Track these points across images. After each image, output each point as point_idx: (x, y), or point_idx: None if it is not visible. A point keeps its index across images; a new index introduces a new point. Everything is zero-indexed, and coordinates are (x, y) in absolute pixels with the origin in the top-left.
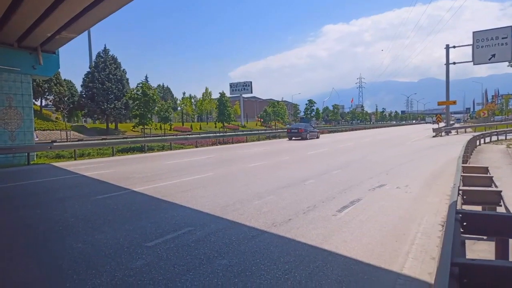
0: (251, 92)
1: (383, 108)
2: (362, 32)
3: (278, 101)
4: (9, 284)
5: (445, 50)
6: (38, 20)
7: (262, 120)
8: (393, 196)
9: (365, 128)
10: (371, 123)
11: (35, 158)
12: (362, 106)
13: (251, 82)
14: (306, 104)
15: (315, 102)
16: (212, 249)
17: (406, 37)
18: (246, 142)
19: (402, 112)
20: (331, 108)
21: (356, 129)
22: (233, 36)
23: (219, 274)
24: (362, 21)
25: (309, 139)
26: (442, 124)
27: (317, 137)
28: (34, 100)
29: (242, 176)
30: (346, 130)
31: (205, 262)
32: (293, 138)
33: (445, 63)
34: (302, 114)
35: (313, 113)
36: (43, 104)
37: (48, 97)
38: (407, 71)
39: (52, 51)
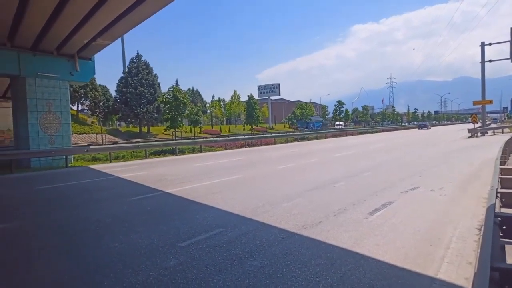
0: (279, 94)
1: (415, 109)
2: (393, 30)
3: (306, 103)
4: (49, 282)
5: (480, 47)
6: (75, 28)
7: (290, 122)
8: (426, 199)
9: (396, 130)
10: (403, 124)
11: (72, 161)
12: (393, 107)
13: (279, 84)
14: (335, 105)
15: (344, 103)
16: (243, 250)
17: (439, 35)
18: (275, 144)
19: (435, 112)
20: (360, 109)
21: (386, 131)
22: (260, 38)
23: (251, 276)
24: (392, 19)
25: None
26: (478, 125)
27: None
28: (71, 105)
29: (271, 178)
30: (376, 132)
31: (236, 263)
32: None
33: (480, 61)
34: (330, 115)
35: (342, 114)
36: (79, 109)
37: (84, 102)
38: (441, 70)
39: (88, 57)
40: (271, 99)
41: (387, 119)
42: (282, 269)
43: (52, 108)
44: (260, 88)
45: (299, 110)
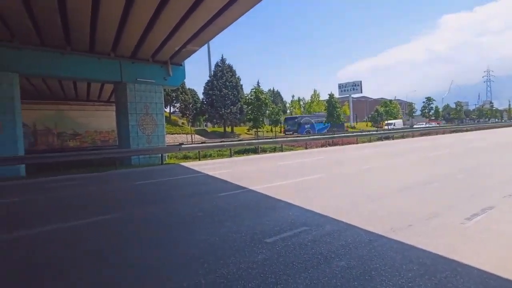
0: (361, 92)
1: None
2: (490, 19)
3: (390, 100)
4: (145, 266)
5: None
6: (168, 37)
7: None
8: None
9: (494, 127)
10: (504, 121)
11: (166, 159)
12: (491, 102)
13: (360, 82)
14: (423, 102)
15: (434, 100)
16: (329, 250)
17: None
18: (357, 143)
19: None
20: (452, 105)
21: (483, 129)
22: (340, 34)
23: (338, 276)
24: (489, 7)
25: None
26: None
27: None
28: (164, 108)
29: (354, 178)
30: (471, 130)
31: (322, 262)
32: None
33: None
34: (418, 112)
35: (432, 111)
36: (171, 111)
37: (175, 104)
38: None
39: (179, 63)
40: (353, 97)
41: (484, 116)
42: (370, 271)
43: (149, 110)
44: (341, 86)
45: (383, 108)
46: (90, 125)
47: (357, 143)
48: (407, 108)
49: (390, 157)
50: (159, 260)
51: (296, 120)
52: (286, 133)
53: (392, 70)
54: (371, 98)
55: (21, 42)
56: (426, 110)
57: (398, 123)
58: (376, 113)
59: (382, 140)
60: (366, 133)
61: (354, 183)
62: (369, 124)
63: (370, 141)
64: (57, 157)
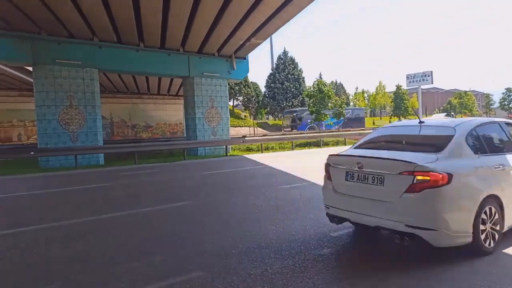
0: (432, 83)
1: None
2: None
3: (465, 91)
4: (211, 249)
5: None
6: (233, 31)
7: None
8: None
9: None
10: None
11: (230, 150)
12: None
13: (431, 72)
14: (503, 94)
15: None
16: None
17: None
18: None
19: None
20: None
21: None
22: (408, 22)
23: None
24: None
25: None
26: None
27: None
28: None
29: None
30: None
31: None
32: None
33: None
34: (497, 105)
35: None
36: (234, 104)
37: (238, 98)
38: None
39: (243, 57)
40: (422, 89)
41: None
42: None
43: (214, 103)
44: (409, 77)
45: (457, 100)
46: (160, 117)
47: None
48: (484, 100)
49: None
50: (227, 247)
51: (295, 114)
52: (285, 129)
53: (467, 58)
54: (442, 89)
55: (101, 40)
56: (506, 102)
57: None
58: (448, 106)
59: None
60: None
61: None
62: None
63: None
64: (132, 147)
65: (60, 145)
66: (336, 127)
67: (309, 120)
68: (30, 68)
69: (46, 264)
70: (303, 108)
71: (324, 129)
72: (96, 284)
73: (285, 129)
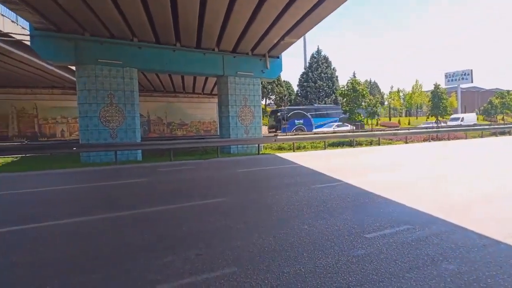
0: (471, 82)
1: None
2: None
3: (508, 91)
4: (238, 247)
5: None
6: (267, 30)
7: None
8: None
9: None
10: None
11: (262, 149)
12: None
13: (471, 71)
14: None
15: None
16: (435, 251)
17: None
18: (466, 138)
19: None
20: None
21: None
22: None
23: (447, 279)
24: None
25: None
26: None
27: None
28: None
29: (464, 176)
30: None
31: (429, 264)
32: None
33: None
34: None
35: None
36: (266, 103)
37: (270, 96)
38: None
39: (276, 56)
40: (461, 88)
41: None
42: (486, 279)
43: (247, 102)
44: (447, 75)
45: (498, 99)
46: (195, 115)
47: (466, 138)
48: None
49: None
50: (260, 245)
51: (280, 113)
52: (269, 130)
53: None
54: (483, 89)
55: (140, 40)
56: None
57: (469, 117)
58: (489, 105)
59: (497, 136)
60: (478, 127)
61: (464, 180)
62: (481, 117)
63: (482, 136)
64: (168, 145)
65: (101, 141)
66: (333, 127)
67: (297, 121)
68: (73, 67)
69: (94, 252)
70: (292, 107)
71: (313, 130)
72: (133, 276)
73: (269, 130)
